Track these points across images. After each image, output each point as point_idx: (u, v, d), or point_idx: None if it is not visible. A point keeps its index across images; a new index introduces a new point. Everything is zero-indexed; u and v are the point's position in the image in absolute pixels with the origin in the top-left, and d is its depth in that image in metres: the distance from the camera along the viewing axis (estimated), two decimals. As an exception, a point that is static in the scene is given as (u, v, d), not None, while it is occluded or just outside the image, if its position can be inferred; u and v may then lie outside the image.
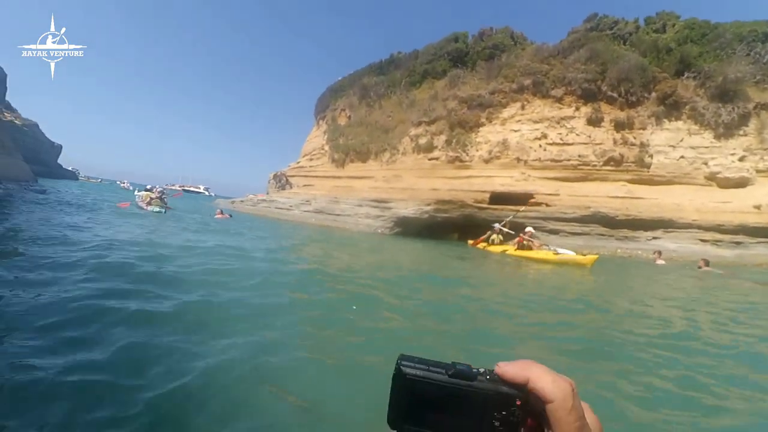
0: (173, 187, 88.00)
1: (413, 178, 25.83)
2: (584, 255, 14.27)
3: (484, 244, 19.21)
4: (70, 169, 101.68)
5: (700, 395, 3.52)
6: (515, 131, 24.42)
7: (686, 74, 23.60)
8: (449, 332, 5.14)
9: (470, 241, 20.19)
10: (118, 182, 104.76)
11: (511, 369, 0.43)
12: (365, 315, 5.33)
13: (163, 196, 22.79)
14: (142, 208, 21.18)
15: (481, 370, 0.45)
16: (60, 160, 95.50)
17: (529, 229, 17.14)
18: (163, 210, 20.79)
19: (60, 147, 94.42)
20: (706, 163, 22.05)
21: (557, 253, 14.95)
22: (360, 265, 10.57)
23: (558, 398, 0.40)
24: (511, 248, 17.09)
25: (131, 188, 55.47)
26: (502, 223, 19.69)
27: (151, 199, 21.94)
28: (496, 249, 18.08)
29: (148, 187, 24.02)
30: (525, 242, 16.51)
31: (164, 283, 5.70)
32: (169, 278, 6.13)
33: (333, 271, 9.04)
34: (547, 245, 16.58)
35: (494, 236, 19.14)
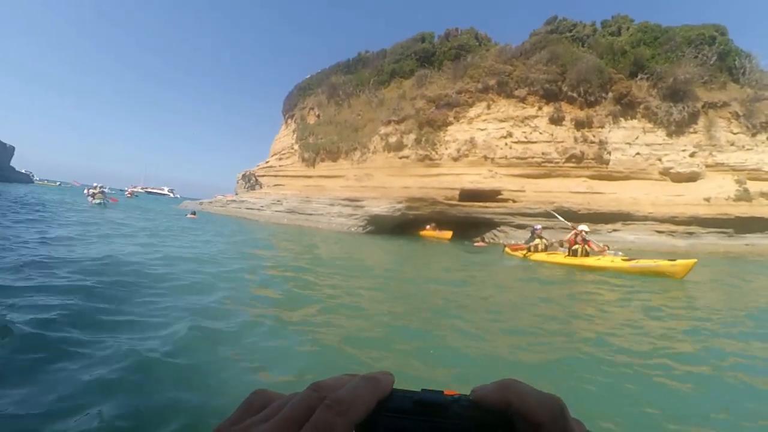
0: (135, 189, 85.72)
1: (384, 177, 26.21)
2: (672, 261, 9.78)
3: (523, 251, 14.82)
4: (23, 171, 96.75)
5: None
6: (482, 130, 25.17)
7: (640, 75, 24.95)
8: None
9: (507, 249, 15.99)
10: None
11: (490, 392, 0.37)
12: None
13: (103, 190, 28.32)
14: (88, 201, 26.39)
15: (456, 396, 0.38)
16: (13, 162, 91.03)
17: (582, 227, 12.81)
18: (104, 202, 26.18)
19: (12, 149, 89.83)
20: (659, 159, 23.39)
21: (627, 259, 10.90)
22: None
23: (547, 419, 0.34)
24: (560, 255, 13.15)
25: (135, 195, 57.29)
26: (539, 228, 15.39)
27: (94, 194, 27.12)
28: (541, 257, 13.98)
29: (94, 184, 29.31)
30: (578, 245, 12.38)
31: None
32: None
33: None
34: (608, 247, 12.57)
35: (537, 241, 14.71)
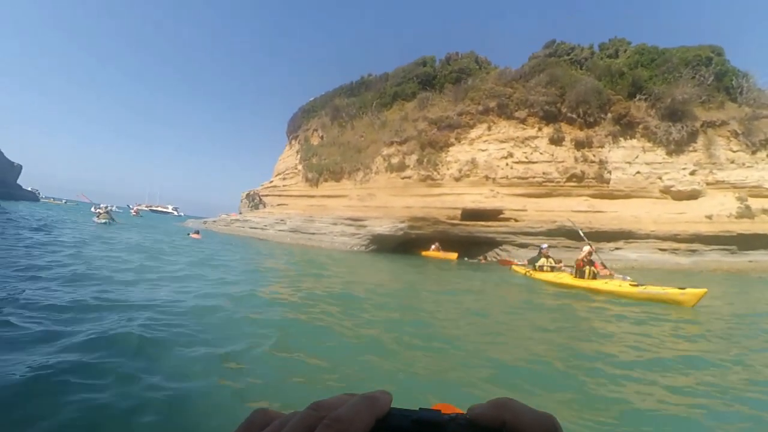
0: (140, 207, 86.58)
1: (387, 197, 26.48)
2: (681, 289, 9.18)
3: (526, 269, 15.12)
4: (29, 189, 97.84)
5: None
6: (483, 150, 25.50)
7: (638, 96, 25.30)
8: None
9: (514, 267, 16.31)
10: (128, 206, 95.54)
11: (485, 411, 0.37)
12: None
13: (109, 211, 30.35)
14: (95, 222, 27.66)
15: (453, 415, 0.39)
16: (20, 180, 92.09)
17: (586, 248, 12.53)
18: (109, 221, 27.51)
19: (20, 167, 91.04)
20: (660, 178, 23.59)
21: (635, 284, 10.30)
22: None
23: None
24: (567, 276, 12.87)
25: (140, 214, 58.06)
26: (546, 246, 15.58)
27: (100, 213, 29.15)
28: (547, 277, 13.72)
29: (102, 204, 33.21)
30: (586, 267, 11.95)
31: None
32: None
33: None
34: (612, 271, 12.12)
35: (543, 260, 14.77)
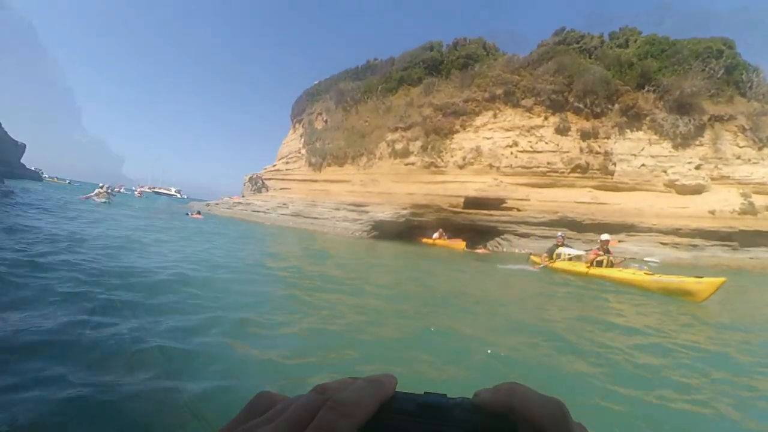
0: (144, 189, 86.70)
1: (390, 183, 26.41)
2: (698, 278, 8.67)
3: (542, 259, 14.57)
4: (33, 169, 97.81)
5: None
6: (488, 139, 25.34)
7: (646, 87, 25.00)
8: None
9: (535, 260, 15.34)
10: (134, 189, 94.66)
11: (492, 396, 0.37)
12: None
13: (109, 191, 30.22)
14: (94, 200, 27.87)
15: (458, 399, 0.39)
16: (23, 160, 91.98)
17: (605, 236, 12.25)
18: (109, 201, 28.13)
19: (24, 146, 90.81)
20: (665, 171, 23.43)
21: (650, 273, 9.92)
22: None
23: (548, 423, 0.34)
24: (583, 265, 12.52)
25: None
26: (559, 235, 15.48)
27: (99, 193, 29.23)
28: (564, 266, 13.48)
29: (101, 185, 31.02)
30: (603, 257, 11.78)
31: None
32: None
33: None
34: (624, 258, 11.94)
35: (560, 249, 14.38)
